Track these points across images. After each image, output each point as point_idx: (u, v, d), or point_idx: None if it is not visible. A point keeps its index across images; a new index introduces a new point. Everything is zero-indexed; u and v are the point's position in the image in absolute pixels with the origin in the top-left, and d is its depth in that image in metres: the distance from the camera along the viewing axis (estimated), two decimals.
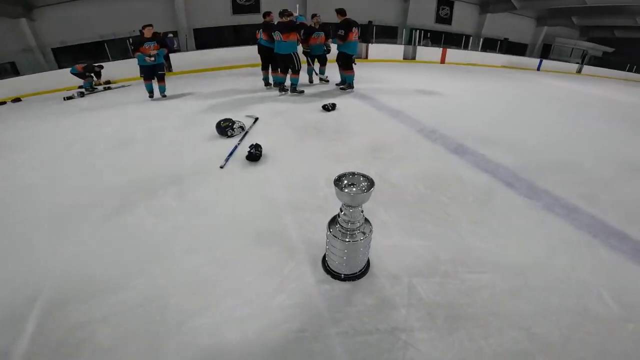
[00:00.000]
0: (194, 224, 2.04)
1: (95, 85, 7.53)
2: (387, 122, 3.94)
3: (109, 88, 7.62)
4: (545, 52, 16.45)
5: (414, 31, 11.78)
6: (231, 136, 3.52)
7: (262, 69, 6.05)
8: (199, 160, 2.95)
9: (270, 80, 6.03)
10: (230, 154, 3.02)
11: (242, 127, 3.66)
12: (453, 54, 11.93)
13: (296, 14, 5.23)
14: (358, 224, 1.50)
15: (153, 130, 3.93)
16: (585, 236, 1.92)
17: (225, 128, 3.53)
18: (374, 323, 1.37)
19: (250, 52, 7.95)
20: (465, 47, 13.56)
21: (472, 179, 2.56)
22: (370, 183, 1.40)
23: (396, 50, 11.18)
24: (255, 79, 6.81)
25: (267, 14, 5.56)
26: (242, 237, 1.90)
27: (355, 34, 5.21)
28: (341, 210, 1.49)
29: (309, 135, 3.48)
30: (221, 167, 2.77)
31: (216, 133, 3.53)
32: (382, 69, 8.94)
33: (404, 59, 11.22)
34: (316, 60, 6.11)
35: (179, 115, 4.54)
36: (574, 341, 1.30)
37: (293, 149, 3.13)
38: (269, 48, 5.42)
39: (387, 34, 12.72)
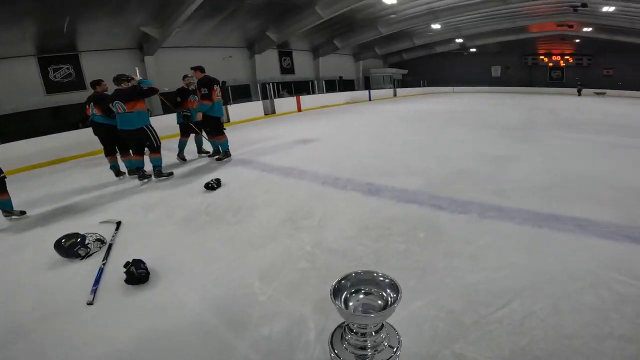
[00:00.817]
0: None
1: None
2: (285, 184, 3.56)
3: None
4: (367, 83, 20.41)
5: (267, 85, 12.39)
6: (87, 256, 2.40)
7: (107, 155, 4.64)
8: (45, 302, 1.81)
9: (123, 168, 4.74)
10: (97, 281, 1.99)
11: (100, 240, 2.57)
12: (306, 100, 13.14)
13: (137, 77, 4.35)
14: (382, 337, 1.01)
15: None
16: (534, 230, 2.07)
17: (72, 247, 2.39)
18: None
19: (83, 136, 6.22)
20: (313, 92, 15.28)
21: (405, 215, 2.48)
22: (392, 285, 0.97)
23: (256, 107, 11.35)
24: (100, 169, 5.18)
25: (96, 83, 4.48)
26: None
27: (218, 91, 4.81)
28: (351, 330, 0.99)
29: (203, 226, 2.71)
30: (89, 304, 1.79)
31: (59, 257, 2.34)
32: (249, 128, 8.76)
33: (265, 114, 11.51)
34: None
35: None
36: None
37: (190, 250, 2.31)
38: (109, 125, 4.29)
39: (242, 93, 12.89)
